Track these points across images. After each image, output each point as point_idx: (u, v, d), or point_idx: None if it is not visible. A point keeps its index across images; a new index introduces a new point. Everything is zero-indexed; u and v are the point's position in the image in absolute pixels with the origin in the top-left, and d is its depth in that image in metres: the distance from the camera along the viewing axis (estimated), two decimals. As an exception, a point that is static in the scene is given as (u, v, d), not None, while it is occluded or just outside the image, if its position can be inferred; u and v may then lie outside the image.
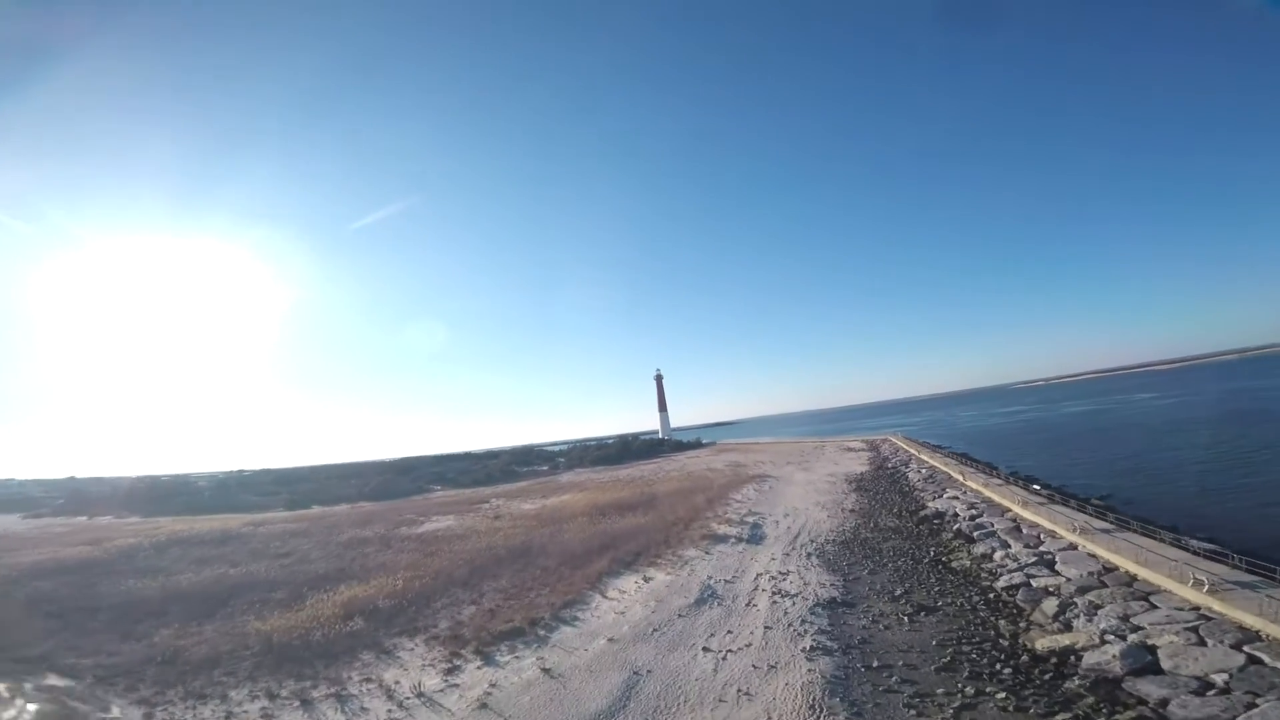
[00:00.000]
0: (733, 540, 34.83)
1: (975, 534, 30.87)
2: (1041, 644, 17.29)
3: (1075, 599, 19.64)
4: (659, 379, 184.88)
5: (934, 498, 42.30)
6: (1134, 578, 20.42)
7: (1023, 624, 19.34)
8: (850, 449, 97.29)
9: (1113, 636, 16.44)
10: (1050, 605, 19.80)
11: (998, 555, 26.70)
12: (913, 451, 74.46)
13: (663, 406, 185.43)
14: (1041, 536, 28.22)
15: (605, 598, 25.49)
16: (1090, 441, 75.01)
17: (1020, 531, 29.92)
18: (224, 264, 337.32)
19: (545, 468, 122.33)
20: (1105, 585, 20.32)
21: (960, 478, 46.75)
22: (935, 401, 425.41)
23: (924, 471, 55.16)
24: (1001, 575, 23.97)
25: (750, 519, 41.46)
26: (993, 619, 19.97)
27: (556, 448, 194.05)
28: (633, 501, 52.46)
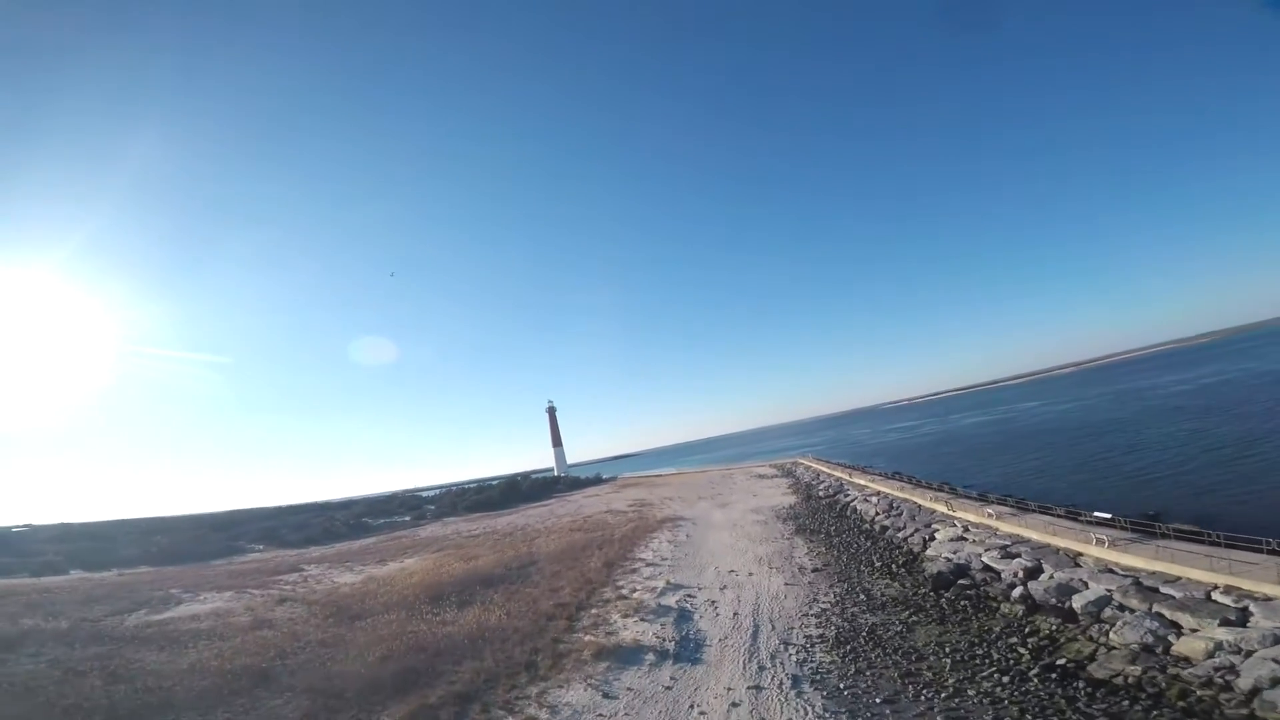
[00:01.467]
0: (650, 657, 19.93)
1: (1075, 604, 18.74)
2: None
3: None
4: (551, 412, 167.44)
5: (923, 539, 30.55)
6: None
7: None
8: (762, 476, 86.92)
9: None
10: None
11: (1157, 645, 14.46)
12: (839, 475, 64.71)
13: (556, 441, 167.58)
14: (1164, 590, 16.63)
15: None
16: (1012, 447, 70.50)
17: (1146, 590, 18.19)
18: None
19: (408, 518, 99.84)
20: None
21: (942, 507, 35.78)
22: (821, 423, 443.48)
23: (875, 500, 44.18)
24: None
25: (672, 597, 26.94)
26: None
27: (433, 492, 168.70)
28: (497, 570, 36.15)
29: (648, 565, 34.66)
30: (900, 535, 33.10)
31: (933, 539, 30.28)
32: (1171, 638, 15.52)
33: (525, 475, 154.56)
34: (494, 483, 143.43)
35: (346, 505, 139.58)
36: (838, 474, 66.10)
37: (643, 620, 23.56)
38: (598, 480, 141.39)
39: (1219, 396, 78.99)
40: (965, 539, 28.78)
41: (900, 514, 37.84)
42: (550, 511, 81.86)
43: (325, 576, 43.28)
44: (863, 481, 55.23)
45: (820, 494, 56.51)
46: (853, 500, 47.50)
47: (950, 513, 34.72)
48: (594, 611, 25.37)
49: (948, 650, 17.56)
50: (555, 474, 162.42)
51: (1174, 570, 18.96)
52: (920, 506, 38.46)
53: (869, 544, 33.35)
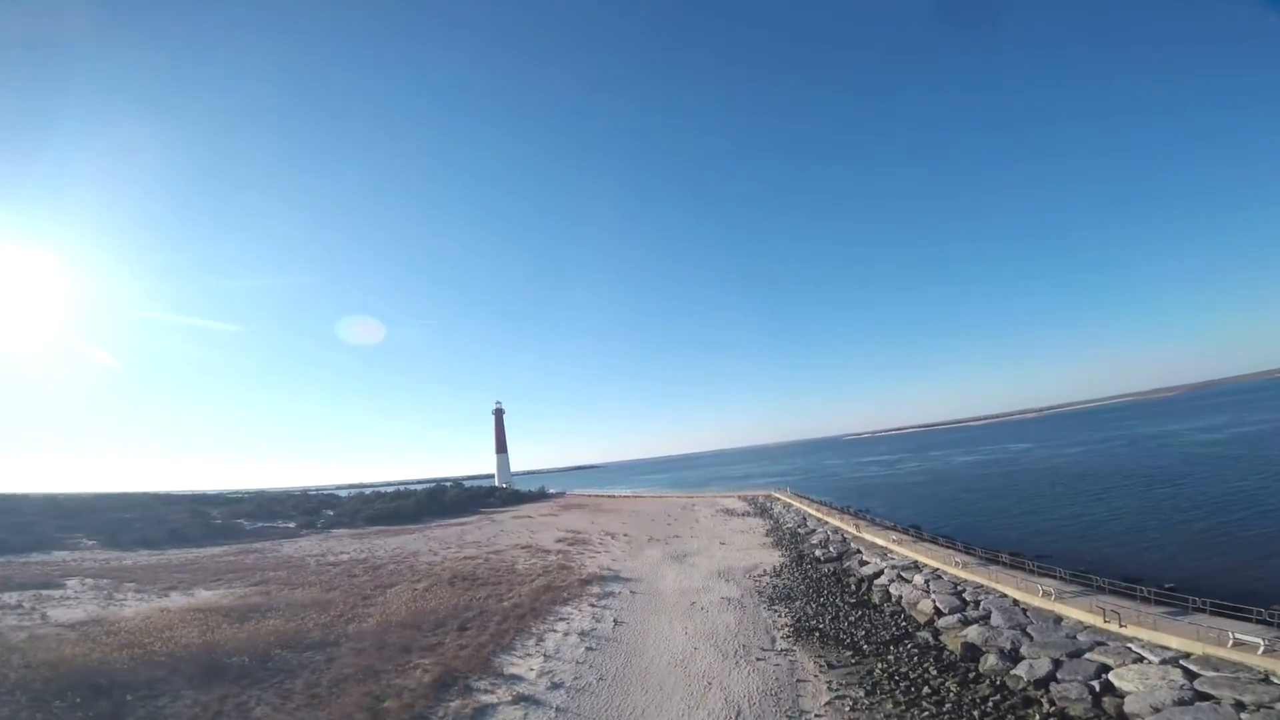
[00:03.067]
0: None
1: None
2: None
3: None
4: (498, 414, 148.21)
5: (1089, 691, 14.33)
6: None
7: None
8: (730, 512, 70.51)
9: None
10: None
11: None
12: (835, 523, 48.73)
13: (501, 447, 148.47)
14: None
15: None
16: (1045, 494, 56.11)
17: None
18: None
19: (293, 524, 79.99)
20: None
21: (1081, 615, 19.74)
22: (787, 450, 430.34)
23: (921, 581, 27.93)
24: None
25: None
26: None
27: (349, 493, 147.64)
28: (233, 657, 18.71)
29: (514, 705, 17.61)
30: (1027, 676, 16.94)
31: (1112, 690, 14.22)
32: None
33: (457, 482, 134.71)
34: (416, 488, 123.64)
35: (237, 500, 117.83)
36: (833, 521, 50.09)
37: None
38: (541, 495, 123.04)
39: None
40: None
41: (988, 619, 21.68)
42: (460, 535, 63.88)
43: (40, 610, 25.53)
44: (879, 541, 39.25)
45: (816, 552, 40.24)
46: (877, 574, 31.30)
47: (1112, 628, 18.92)
48: None
49: None
50: (495, 483, 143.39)
51: None
52: (1022, 605, 22.52)
53: (951, 686, 17.05)
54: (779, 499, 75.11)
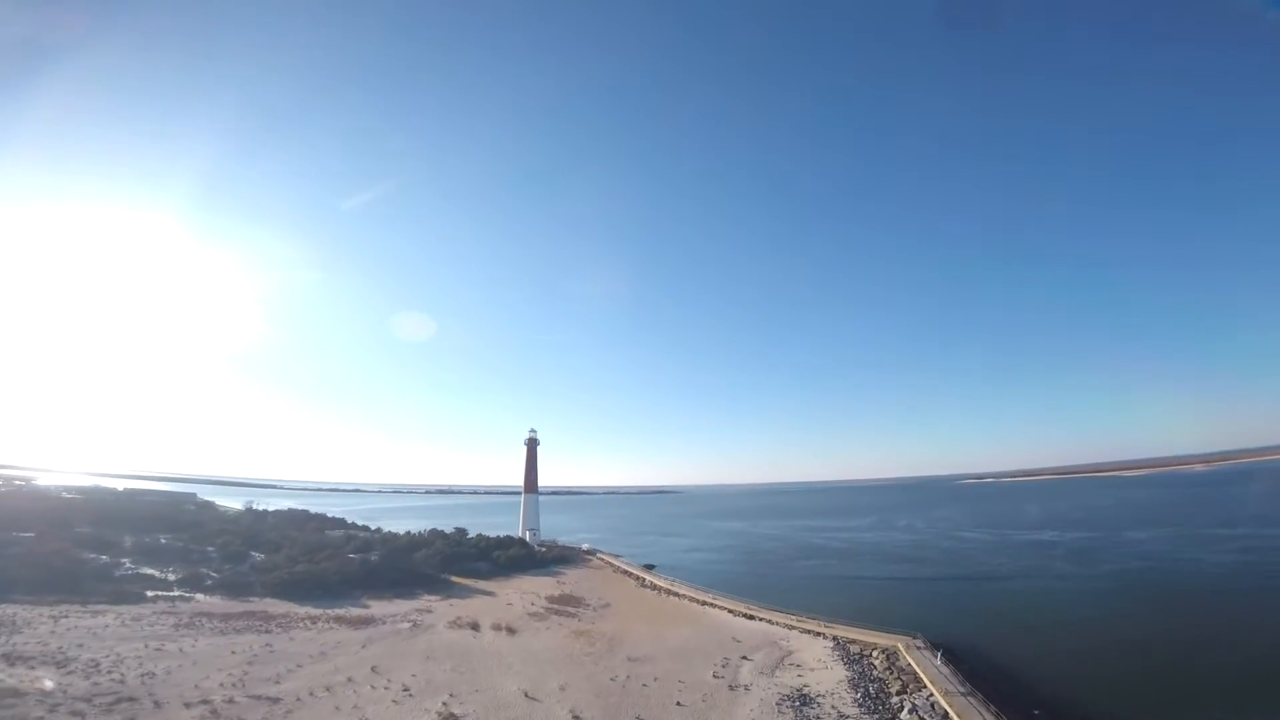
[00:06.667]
0: None
1: None
2: None
3: None
4: (531, 445, 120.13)
5: None
6: None
7: None
8: (806, 698, 35.55)
9: None
10: None
11: None
12: None
13: (530, 485, 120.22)
14: None
15: None
16: None
17: None
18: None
19: (171, 575, 56.17)
20: None
21: None
22: (900, 490, 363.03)
23: None
24: None
25: None
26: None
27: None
28: None
29: None
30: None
31: None
32: None
33: (461, 536, 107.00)
34: (396, 540, 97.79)
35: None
36: None
37: None
38: (555, 559, 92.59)
39: None
40: None
41: None
42: (320, 649, 35.23)
43: None
44: None
45: None
46: None
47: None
48: None
49: None
50: (521, 530, 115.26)
51: None
52: None
53: None
54: (924, 678, 38.22)
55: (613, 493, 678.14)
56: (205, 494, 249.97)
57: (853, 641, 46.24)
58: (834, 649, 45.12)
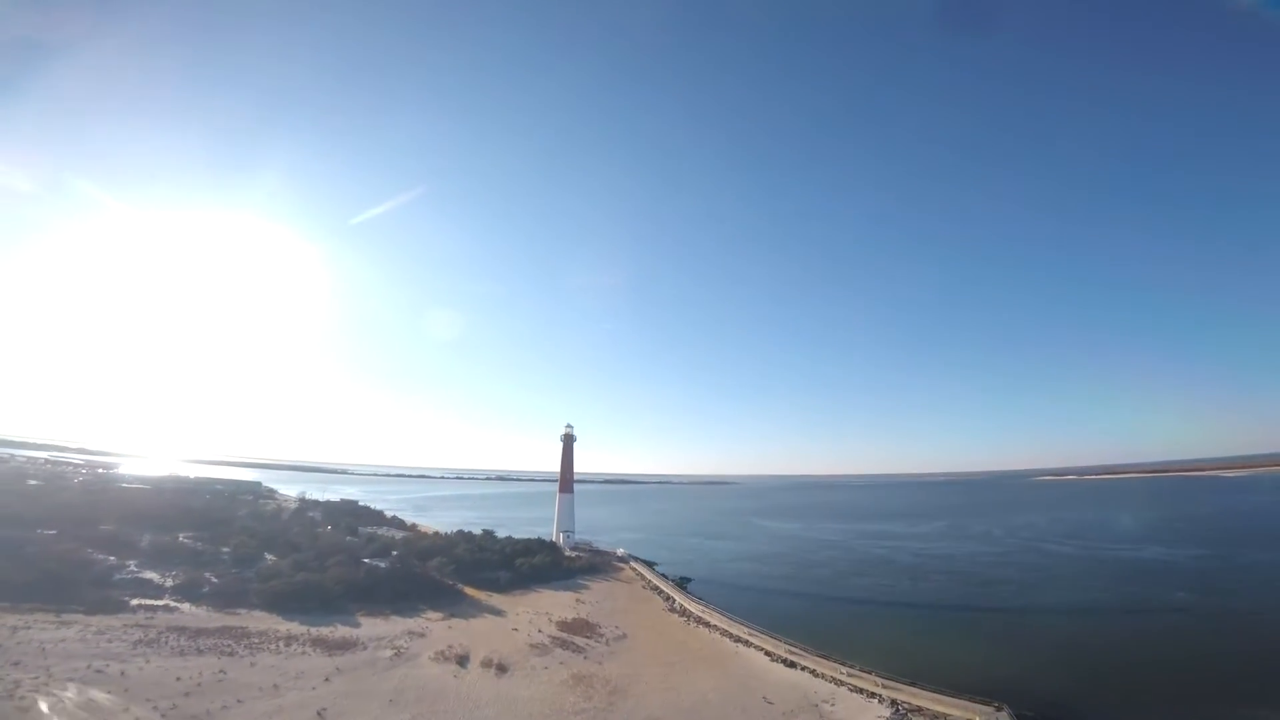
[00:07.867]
0: None
1: None
2: None
3: None
4: (567, 441, 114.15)
5: None
6: None
7: None
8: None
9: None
10: None
11: None
12: None
13: (566, 485, 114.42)
14: None
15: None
16: None
17: None
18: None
19: (170, 581, 53.28)
20: None
21: None
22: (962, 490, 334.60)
23: None
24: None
25: None
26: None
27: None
28: None
29: None
30: None
31: None
32: None
33: (490, 533, 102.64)
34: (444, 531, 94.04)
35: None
36: None
37: None
38: (587, 567, 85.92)
39: None
40: None
41: None
42: (272, 685, 29.67)
43: None
44: None
45: None
46: None
47: None
48: None
49: None
50: (555, 532, 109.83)
51: None
52: None
53: None
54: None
55: (666, 482, 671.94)
56: (276, 480, 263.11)
57: (917, 711, 36.54)
58: (891, 718, 35.70)
